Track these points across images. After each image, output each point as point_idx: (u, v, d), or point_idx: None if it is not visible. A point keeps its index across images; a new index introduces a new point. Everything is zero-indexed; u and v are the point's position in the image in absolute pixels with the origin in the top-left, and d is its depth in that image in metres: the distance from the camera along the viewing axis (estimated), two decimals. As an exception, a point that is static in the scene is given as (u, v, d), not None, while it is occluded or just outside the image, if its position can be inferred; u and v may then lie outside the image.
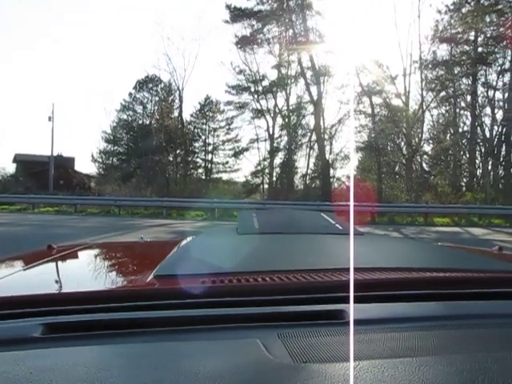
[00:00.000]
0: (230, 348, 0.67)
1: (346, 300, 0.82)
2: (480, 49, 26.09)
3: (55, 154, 34.19)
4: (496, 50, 25.73)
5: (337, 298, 0.84)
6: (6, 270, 1.18)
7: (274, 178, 31.16)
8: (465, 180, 28.67)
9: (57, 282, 1.06)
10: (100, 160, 38.49)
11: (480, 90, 27.88)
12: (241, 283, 0.91)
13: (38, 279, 1.12)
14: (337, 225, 2.18)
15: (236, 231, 1.90)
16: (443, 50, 27.35)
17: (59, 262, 1.43)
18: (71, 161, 38.85)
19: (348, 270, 1.03)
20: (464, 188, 26.81)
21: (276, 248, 1.54)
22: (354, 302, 0.82)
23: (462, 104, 29.09)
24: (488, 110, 28.28)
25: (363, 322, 0.75)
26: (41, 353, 0.64)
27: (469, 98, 28.21)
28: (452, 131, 29.13)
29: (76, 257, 1.61)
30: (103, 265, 1.45)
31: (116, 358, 0.64)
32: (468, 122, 28.94)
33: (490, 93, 27.90)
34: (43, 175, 32.64)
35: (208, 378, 0.56)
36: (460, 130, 29.22)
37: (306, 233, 1.96)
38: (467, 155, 28.94)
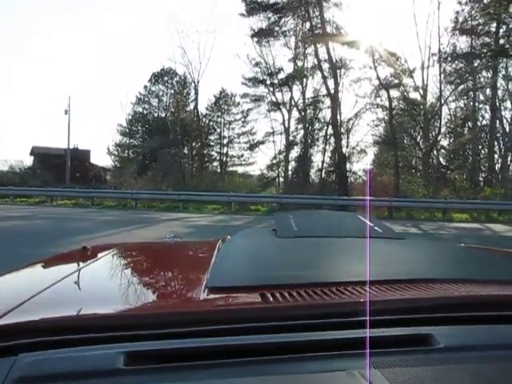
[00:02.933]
0: (324, 380, 0.61)
1: (430, 322, 0.77)
2: (501, 40, 25.56)
3: (71, 146, 34.53)
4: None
5: (420, 320, 0.77)
6: (52, 278, 1.12)
7: (290, 172, 31.12)
8: (483, 175, 28.29)
9: (116, 297, 1.00)
10: (115, 153, 38.86)
11: (500, 82, 27.43)
12: (313, 302, 0.84)
13: (94, 292, 1.07)
14: (376, 227, 2.12)
15: (275, 234, 1.86)
16: (463, 42, 26.93)
17: (106, 270, 1.40)
18: (87, 153, 39.20)
19: (422, 281, 0.98)
20: (483, 183, 26.46)
21: (322, 254, 1.49)
22: (438, 324, 0.77)
23: (482, 97, 28.72)
24: (508, 104, 27.87)
25: (457, 349, 0.69)
26: None
27: (488, 91, 27.78)
28: (470, 125, 28.73)
29: (120, 264, 1.56)
30: (153, 274, 1.40)
31: None
32: (487, 116, 28.58)
33: (511, 86, 27.42)
34: (60, 168, 32.98)
35: None
36: (479, 123, 28.83)
37: (345, 236, 1.91)
38: (486, 150, 28.54)
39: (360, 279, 0.99)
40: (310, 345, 0.70)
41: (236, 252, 1.53)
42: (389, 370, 0.63)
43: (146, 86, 37.71)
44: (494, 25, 25.51)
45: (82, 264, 1.41)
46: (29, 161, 37.61)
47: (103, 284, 1.20)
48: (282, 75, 31.21)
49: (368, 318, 0.76)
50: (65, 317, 0.79)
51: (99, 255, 1.57)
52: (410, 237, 2.15)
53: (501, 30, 25.56)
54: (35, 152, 37.69)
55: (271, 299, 0.83)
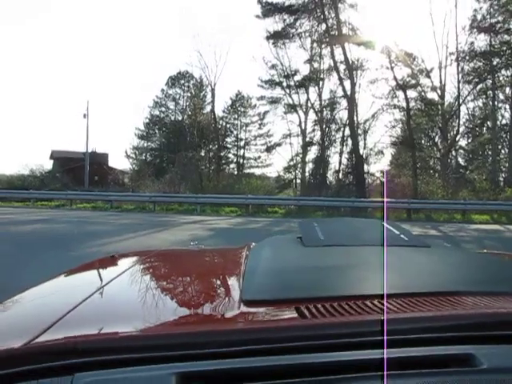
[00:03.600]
0: None
1: (466, 341, 0.75)
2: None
3: (90, 150, 34.93)
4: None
5: (459, 339, 0.76)
6: (84, 292, 1.11)
7: (307, 174, 31.00)
8: (504, 175, 27.82)
9: (158, 313, 1.01)
10: (133, 156, 39.13)
11: (520, 81, 26.95)
12: (352, 319, 0.82)
13: (133, 307, 1.06)
14: (402, 235, 2.12)
15: (301, 242, 1.87)
16: (481, 41, 26.54)
17: (139, 282, 1.39)
18: (105, 157, 39.53)
19: (455, 294, 0.95)
20: (503, 183, 26.02)
21: (352, 264, 1.50)
22: (476, 342, 0.75)
23: (501, 96, 28.25)
24: (528, 103, 27.35)
25: (502, 371, 0.68)
26: None
27: (508, 89, 27.33)
28: (490, 125, 28.30)
29: (152, 274, 1.55)
30: (188, 286, 1.41)
31: None
32: (507, 115, 28.12)
33: (531, 84, 26.95)
34: (78, 171, 33.34)
35: None
36: (498, 123, 28.37)
37: (372, 245, 1.91)
38: (506, 149, 28.07)
39: (388, 292, 0.98)
40: (340, 365, 0.69)
41: (265, 262, 1.54)
42: None
43: (163, 90, 37.98)
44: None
45: (113, 274, 1.40)
46: (48, 165, 38.08)
47: (141, 297, 1.18)
48: (298, 77, 31.19)
49: (407, 336, 0.75)
50: (116, 335, 0.80)
51: (129, 265, 1.57)
52: (434, 245, 2.16)
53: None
54: (55, 156, 38.17)
55: (308, 315, 0.84)
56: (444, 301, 0.91)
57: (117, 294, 1.19)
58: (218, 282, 1.43)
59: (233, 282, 1.24)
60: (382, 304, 0.89)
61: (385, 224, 2.41)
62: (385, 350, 0.71)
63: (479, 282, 1.25)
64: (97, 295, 1.11)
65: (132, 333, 0.82)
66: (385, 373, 0.66)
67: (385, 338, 0.73)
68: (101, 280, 1.45)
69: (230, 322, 0.96)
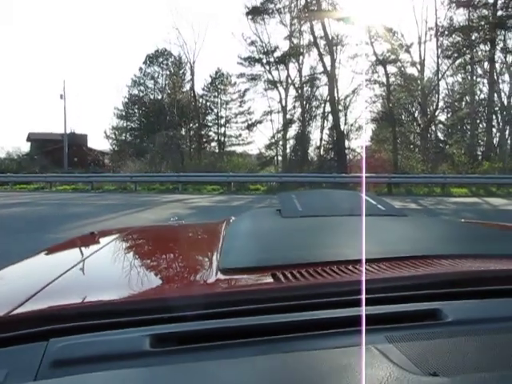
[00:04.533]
0: (344, 355, 0.63)
1: (437, 297, 0.79)
2: (500, 12, 25.22)
3: (68, 131, 34.34)
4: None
5: (427, 296, 0.80)
6: (65, 265, 1.13)
7: (288, 150, 31.01)
8: (482, 149, 28.24)
9: (134, 281, 1.01)
10: (113, 136, 38.59)
11: (498, 55, 27.16)
12: (325, 281, 0.86)
13: (111, 277, 1.09)
14: (379, 205, 2.15)
15: (279, 214, 1.88)
16: (460, 16, 26.62)
17: (118, 255, 1.41)
18: (84, 138, 38.95)
19: (424, 258, 0.99)
20: (481, 157, 26.43)
21: (328, 233, 1.52)
22: (445, 299, 0.79)
23: (479, 71, 28.49)
24: (506, 77, 27.62)
25: (465, 323, 0.72)
26: (153, 370, 0.61)
27: (486, 64, 27.48)
28: (468, 99, 28.57)
29: (132, 248, 1.58)
30: (168, 257, 1.43)
31: (227, 374, 0.60)
32: (485, 90, 28.35)
33: (509, 58, 27.18)
34: (57, 153, 32.85)
35: None
36: (477, 97, 28.66)
37: (349, 215, 1.94)
38: (484, 124, 28.44)
39: (365, 257, 1.02)
40: (323, 322, 0.72)
41: (244, 233, 1.55)
42: (404, 345, 0.65)
43: (141, 68, 37.30)
44: (492, -4, 25.18)
45: (92, 249, 1.42)
46: (26, 147, 37.51)
47: (118, 269, 1.21)
48: (277, 53, 30.88)
49: (376, 295, 0.79)
50: (92, 303, 0.82)
51: (108, 240, 1.58)
52: (411, 214, 2.19)
53: (499, 2, 25.18)
54: (32, 138, 37.48)
55: (283, 279, 0.85)
56: (416, 263, 0.95)
57: (95, 268, 1.21)
58: (196, 253, 1.45)
59: (210, 252, 1.25)
60: (357, 268, 0.92)
61: (362, 195, 2.44)
62: (363, 307, 0.73)
63: (450, 245, 1.30)
64: (75, 269, 1.12)
65: (107, 299, 0.83)
66: (363, 328, 0.69)
67: (363, 296, 0.76)
68: (80, 255, 1.46)
69: (205, 288, 0.98)
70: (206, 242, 1.75)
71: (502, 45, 26.81)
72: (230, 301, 0.78)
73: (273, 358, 0.63)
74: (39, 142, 36.04)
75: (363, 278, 0.83)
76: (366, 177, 19.01)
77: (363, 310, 0.72)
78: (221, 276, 0.96)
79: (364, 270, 0.90)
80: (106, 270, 1.20)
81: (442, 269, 0.92)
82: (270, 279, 0.88)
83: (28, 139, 38.25)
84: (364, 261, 0.95)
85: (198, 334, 0.70)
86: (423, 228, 1.70)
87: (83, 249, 1.57)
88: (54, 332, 0.70)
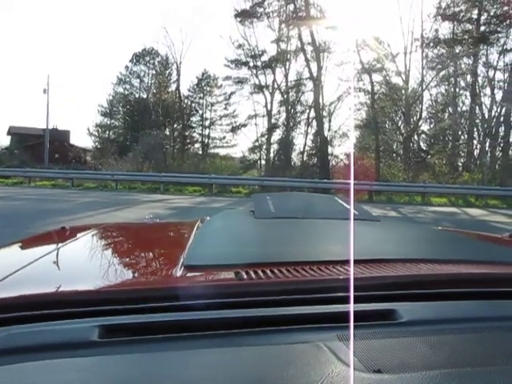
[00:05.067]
0: (293, 352, 0.64)
1: (393, 298, 0.81)
2: (482, 28, 25.69)
3: (50, 126, 33.88)
4: (499, 29, 25.34)
5: (384, 296, 0.82)
6: (31, 257, 1.14)
7: (272, 155, 31.08)
8: (462, 160, 28.70)
9: (93, 275, 1.01)
10: (96, 134, 38.19)
11: (480, 69, 27.67)
12: (286, 279, 0.88)
13: (72, 270, 1.10)
14: (352, 210, 2.16)
15: (253, 215, 1.88)
16: (445, 29, 26.97)
17: (84, 249, 1.41)
18: (66, 134, 38.54)
19: (390, 261, 1.01)
20: (461, 168, 26.87)
21: (298, 234, 1.53)
22: (401, 300, 0.81)
23: (462, 84, 28.95)
24: (488, 91, 28.17)
25: (418, 323, 0.73)
26: (101, 360, 0.61)
27: (469, 77, 27.98)
28: (451, 111, 29.01)
29: (99, 243, 1.58)
30: (132, 253, 1.42)
31: (176, 365, 0.61)
32: (467, 102, 28.82)
33: (491, 73, 27.72)
34: (38, 148, 32.39)
35: None
36: (459, 109, 29.12)
37: (321, 218, 1.95)
38: (465, 135, 28.91)
39: (330, 258, 1.03)
40: (279, 319, 0.72)
41: (214, 232, 1.55)
42: (354, 343, 0.66)
43: (127, 66, 37.00)
44: (476, 11, 25.63)
45: (60, 243, 1.42)
46: (6, 141, 36.93)
47: (81, 262, 1.21)
48: (265, 57, 30.97)
49: (333, 294, 0.81)
50: (41, 293, 0.81)
51: (78, 235, 1.58)
52: (385, 219, 2.20)
53: (482, 17, 25.68)
54: (12, 132, 36.94)
55: (245, 277, 0.86)
56: (380, 266, 0.97)
57: (59, 261, 1.21)
58: (162, 250, 1.45)
59: (178, 250, 1.25)
60: (320, 268, 0.93)
61: (337, 199, 2.44)
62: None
63: (415, 249, 1.34)
64: (38, 262, 1.11)
65: (58, 290, 0.84)
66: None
67: (318, 296, 0.79)
68: (47, 248, 1.45)
69: (163, 282, 0.99)
70: (175, 239, 1.74)
71: (484, 59, 27.37)
72: (185, 295, 0.79)
73: (224, 352, 0.64)
74: (20, 136, 35.52)
75: (322, 278, 0.87)
76: (347, 184, 19.15)
77: (313, 309, 0.75)
78: (182, 272, 0.95)
79: (326, 271, 0.91)
80: (70, 263, 1.21)
81: (402, 271, 0.94)
82: (231, 276, 0.88)
83: (8, 133, 37.70)
84: (326, 262, 0.97)
85: (149, 326, 0.70)
86: (393, 232, 1.72)
87: (51, 242, 1.57)
88: (2, 321, 0.70)
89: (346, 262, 0.97)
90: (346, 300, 0.79)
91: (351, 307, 0.76)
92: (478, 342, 0.69)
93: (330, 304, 0.78)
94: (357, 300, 0.79)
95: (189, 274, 0.95)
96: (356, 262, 0.98)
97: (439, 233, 1.96)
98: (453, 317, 0.77)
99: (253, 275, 0.87)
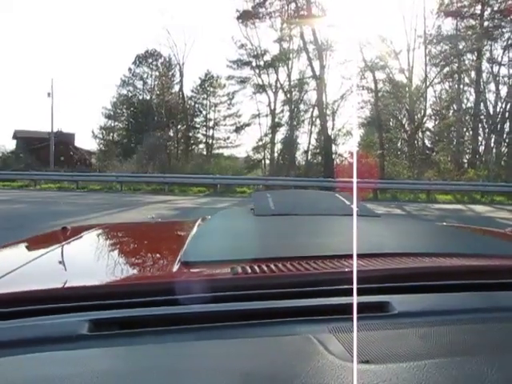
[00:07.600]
0: (283, 344, 0.65)
1: (386, 291, 0.81)
2: (486, 23, 25.58)
3: (55, 130, 34.03)
4: (503, 24, 25.22)
5: (379, 289, 0.82)
6: (29, 256, 1.16)
7: (276, 154, 31.11)
8: (467, 157, 28.60)
9: (88, 272, 1.03)
10: (100, 136, 38.30)
11: (485, 65, 27.55)
12: (281, 273, 0.88)
13: (70, 267, 1.11)
14: (353, 206, 2.16)
15: (252, 213, 1.88)
16: (448, 25, 27.00)
17: (82, 248, 1.43)
18: (71, 137, 38.67)
19: (382, 256, 1.02)
20: (466, 165, 26.76)
21: (297, 230, 1.53)
22: (395, 292, 0.81)
23: (466, 80, 28.83)
24: (492, 87, 28.04)
25: (410, 315, 0.74)
26: (90, 352, 0.62)
27: (473, 73, 27.86)
28: (455, 107, 28.91)
29: (97, 242, 1.59)
30: (129, 251, 1.43)
31: (166, 358, 0.61)
32: (472, 99, 28.72)
33: (495, 68, 27.60)
34: (43, 151, 32.56)
35: (264, 377, 0.54)
36: (463, 106, 29.01)
37: (321, 214, 1.95)
38: (470, 132, 28.79)
39: (325, 253, 1.03)
40: (271, 312, 0.73)
41: (213, 230, 1.55)
42: (345, 335, 0.66)
43: (130, 69, 37.07)
44: (479, 7, 25.53)
45: (60, 243, 1.42)
46: (11, 145, 37.05)
47: (77, 259, 1.23)
48: (267, 57, 31.00)
49: (329, 287, 0.81)
50: (32, 289, 0.82)
51: (76, 235, 1.58)
52: (385, 215, 2.19)
53: (485, 13, 25.59)
54: (18, 136, 37.07)
55: (240, 271, 0.86)
56: (378, 260, 0.96)
57: (58, 259, 1.23)
58: (160, 247, 1.47)
59: (175, 247, 1.25)
60: (316, 263, 0.92)
61: (337, 195, 2.43)
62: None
63: (414, 244, 1.33)
64: (38, 260, 1.12)
65: (49, 286, 0.84)
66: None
67: (313, 289, 0.79)
68: (45, 248, 1.45)
69: (156, 277, 1.00)
70: (174, 237, 1.75)
71: (488, 55, 27.23)
72: (179, 289, 0.78)
73: (214, 344, 0.65)
74: (25, 139, 35.64)
75: (314, 272, 0.87)
76: (352, 182, 19.12)
77: (307, 302, 0.75)
78: (178, 268, 0.96)
79: (320, 265, 0.91)
80: (66, 260, 1.22)
81: (395, 264, 0.94)
82: (227, 271, 0.88)
83: (14, 137, 37.84)
84: (321, 257, 0.97)
85: (141, 319, 0.70)
86: (393, 228, 1.72)
87: (50, 242, 1.57)
88: None
89: (343, 256, 0.97)
90: (338, 293, 0.79)
91: (343, 300, 0.76)
92: (467, 333, 0.69)
93: (322, 297, 0.78)
94: (349, 293, 0.78)
95: (183, 269, 0.95)
96: (351, 256, 0.99)
97: (438, 228, 1.96)
98: (444, 308, 0.77)
99: (248, 270, 0.87)
